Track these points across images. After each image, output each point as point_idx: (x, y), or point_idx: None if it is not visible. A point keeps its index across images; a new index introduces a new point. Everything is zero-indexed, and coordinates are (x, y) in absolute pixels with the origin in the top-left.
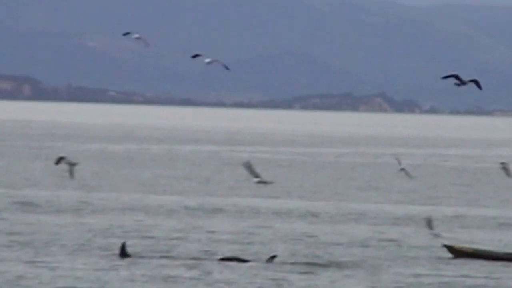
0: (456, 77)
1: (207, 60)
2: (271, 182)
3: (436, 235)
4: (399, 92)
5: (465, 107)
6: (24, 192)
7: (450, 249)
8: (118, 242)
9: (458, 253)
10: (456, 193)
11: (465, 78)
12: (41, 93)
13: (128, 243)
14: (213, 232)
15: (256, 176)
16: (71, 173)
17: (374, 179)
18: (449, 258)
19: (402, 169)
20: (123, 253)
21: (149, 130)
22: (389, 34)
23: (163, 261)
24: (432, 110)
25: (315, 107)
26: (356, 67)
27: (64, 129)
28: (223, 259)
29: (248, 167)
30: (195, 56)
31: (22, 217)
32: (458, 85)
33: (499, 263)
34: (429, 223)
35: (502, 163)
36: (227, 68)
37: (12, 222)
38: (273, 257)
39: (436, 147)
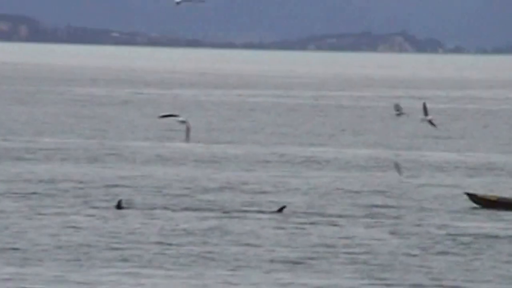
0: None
1: None
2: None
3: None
4: (422, 31)
5: (492, 45)
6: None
7: (472, 197)
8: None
9: (481, 201)
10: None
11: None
12: (39, 34)
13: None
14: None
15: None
16: (187, 135)
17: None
18: (471, 208)
19: (425, 120)
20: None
21: (160, 73)
22: None
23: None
24: (457, 50)
25: (331, 48)
26: (375, 4)
27: (65, 72)
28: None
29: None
30: None
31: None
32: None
33: None
34: (396, 167)
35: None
36: (201, 0)
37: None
38: (282, 208)
39: (462, 88)
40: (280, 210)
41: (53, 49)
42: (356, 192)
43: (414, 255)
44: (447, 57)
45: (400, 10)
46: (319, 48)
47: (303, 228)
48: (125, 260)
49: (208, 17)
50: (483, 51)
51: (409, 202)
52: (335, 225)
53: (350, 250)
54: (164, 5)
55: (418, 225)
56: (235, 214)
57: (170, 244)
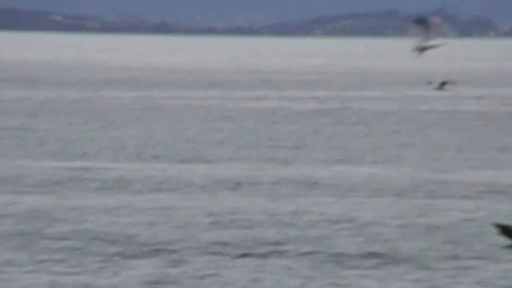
0: None
1: None
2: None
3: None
4: (466, 9)
5: None
6: None
7: (505, 230)
8: None
9: None
10: None
11: None
12: None
13: None
14: None
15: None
16: None
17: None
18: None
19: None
20: None
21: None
22: None
23: None
24: None
25: (345, 32)
26: None
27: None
28: None
29: None
30: None
31: None
32: None
33: None
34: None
35: None
36: None
37: None
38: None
39: None
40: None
41: None
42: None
43: None
44: (501, 42)
45: None
46: (328, 33)
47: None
48: None
49: None
50: None
51: None
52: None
53: None
54: None
55: None
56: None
57: None
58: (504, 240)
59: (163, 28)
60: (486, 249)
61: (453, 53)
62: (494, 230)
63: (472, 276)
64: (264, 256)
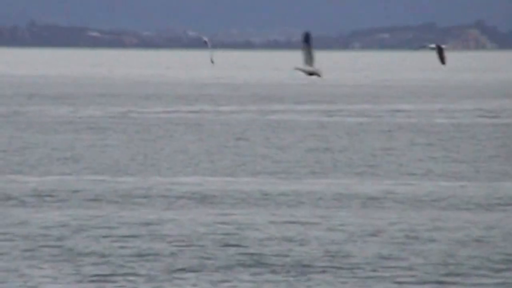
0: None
1: None
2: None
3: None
4: (505, 21)
5: None
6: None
7: None
8: None
9: None
10: None
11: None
12: None
13: None
14: None
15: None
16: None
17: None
18: None
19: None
20: None
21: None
22: None
23: None
24: None
25: (383, 45)
26: None
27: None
28: None
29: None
30: None
31: None
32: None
33: None
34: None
35: None
36: None
37: None
38: None
39: None
40: None
41: (12, 54)
42: None
43: None
44: None
45: None
46: (366, 46)
47: None
48: None
49: (219, 12)
50: None
51: None
52: None
53: None
54: None
55: None
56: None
57: None
58: None
59: (199, 43)
60: None
61: (495, 65)
62: None
63: None
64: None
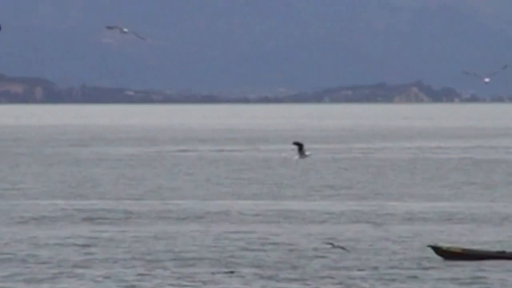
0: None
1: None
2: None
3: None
4: (437, 81)
5: (508, 93)
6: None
7: (437, 250)
8: None
9: (445, 254)
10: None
11: None
12: (54, 95)
13: None
14: None
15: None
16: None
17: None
18: (436, 260)
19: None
20: None
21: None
22: (425, 19)
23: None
24: (473, 99)
25: (347, 100)
26: (389, 55)
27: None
28: None
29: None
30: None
31: None
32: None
33: (489, 263)
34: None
35: None
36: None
37: None
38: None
39: (482, 137)
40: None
41: (68, 110)
42: None
43: None
44: (463, 106)
45: (415, 60)
46: (334, 100)
47: None
48: None
49: (222, 73)
50: (499, 99)
51: None
52: None
53: None
54: (178, 62)
55: None
56: None
57: None
58: None
59: (209, 99)
60: None
61: (428, 115)
62: None
63: None
64: None
